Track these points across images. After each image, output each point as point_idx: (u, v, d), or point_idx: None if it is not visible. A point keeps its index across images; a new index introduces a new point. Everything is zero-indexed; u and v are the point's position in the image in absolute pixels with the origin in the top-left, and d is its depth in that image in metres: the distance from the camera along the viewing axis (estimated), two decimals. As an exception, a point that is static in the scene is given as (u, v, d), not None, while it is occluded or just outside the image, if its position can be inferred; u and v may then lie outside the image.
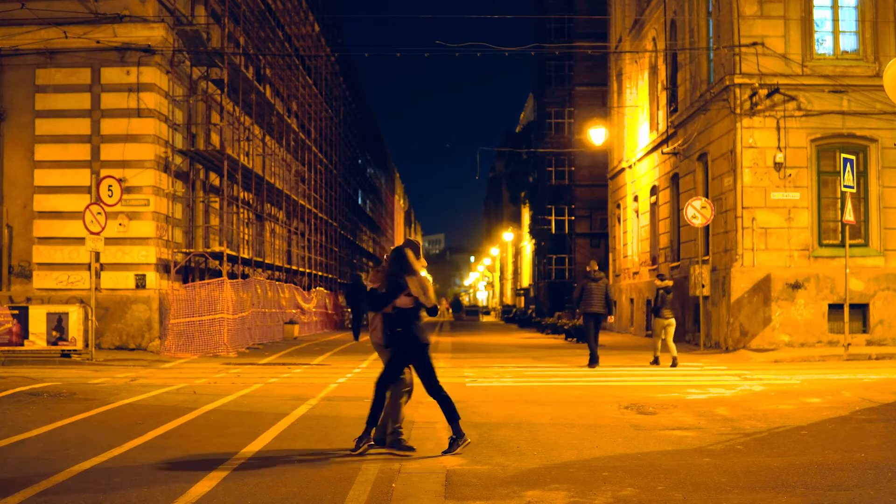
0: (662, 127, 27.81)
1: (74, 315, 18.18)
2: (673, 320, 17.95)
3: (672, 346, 17.78)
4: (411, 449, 7.96)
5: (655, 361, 17.97)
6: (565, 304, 19.11)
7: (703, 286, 20.85)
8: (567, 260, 51.11)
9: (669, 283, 18.44)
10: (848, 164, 17.71)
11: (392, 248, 8.61)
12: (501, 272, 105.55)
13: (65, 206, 20.78)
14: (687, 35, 24.74)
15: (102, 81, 21.03)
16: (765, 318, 20.12)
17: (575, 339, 26.11)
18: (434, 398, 8.14)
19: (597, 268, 18.41)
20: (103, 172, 20.05)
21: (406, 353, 8.13)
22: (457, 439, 7.96)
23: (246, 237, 29.01)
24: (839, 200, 19.78)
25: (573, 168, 50.07)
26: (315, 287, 36.76)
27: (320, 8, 41.09)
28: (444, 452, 7.90)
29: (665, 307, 17.88)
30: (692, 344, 22.94)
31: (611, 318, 18.49)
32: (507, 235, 79.48)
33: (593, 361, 17.61)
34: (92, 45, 20.69)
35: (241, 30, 26.94)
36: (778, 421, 9.78)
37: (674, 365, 17.36)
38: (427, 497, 6.37)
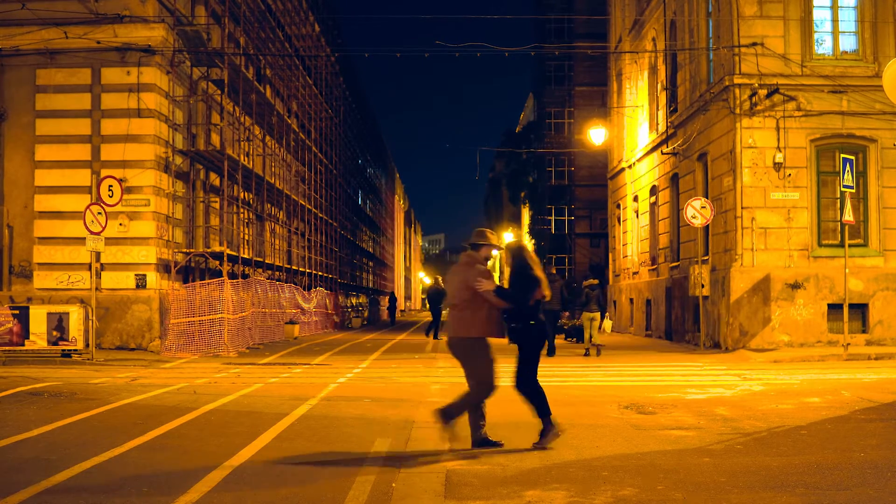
0: (662, 127, 27.82)
1: (75, 315, 18.19)
2: (598, 314, 20.16)
3: (596, 335, 20.06)
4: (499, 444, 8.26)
5: (587, 354, 19.94)
6: (566, 303, 20.36)
7: (702, 286, 20.88)
8: (567, 260, 51.09)
9: (594, 281, 21.10)
10: (847, 165, 17.72)
11: (508, 243, 8.81)
12: (501, 272, 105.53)
13: (65, 206, 20.80)
14: (687, 35, 24.75)
15: (103, 82, 21.05)
16: (764, 318, 20.14)
17: (574, 339, 26.10)
18: (521, 391, 8.38)
19: (554, 272, 21.51)
20: (104, 172, 20.07)
21: (537, 343, 8.39)
22: (547, 432, 8.30)
23: (246, 237, 29.03)
24: (839, 200, 19.78)
25: (573, 168, 50.07)
26: (315, 287, 36.78)
27: (320, 8, 41.10)
28: (535, 445, 8.20)
29: (591, 302, 20.16)
30: (692, 344, 22.95)
31: (565, 314, 21.50)
32: (508, 235, 79.42)
33: (550, 351, 19.79)
34: (92, 45, 20.71)
35: (241, 30, 26.95)
36: (777, 421, 9.79)
37: (598, 354, 19.84)
38: (427, 497, 6.38)
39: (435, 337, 27.37)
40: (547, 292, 8.39)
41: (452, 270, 8.61)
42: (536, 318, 8.29)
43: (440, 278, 32.66)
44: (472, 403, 8.23)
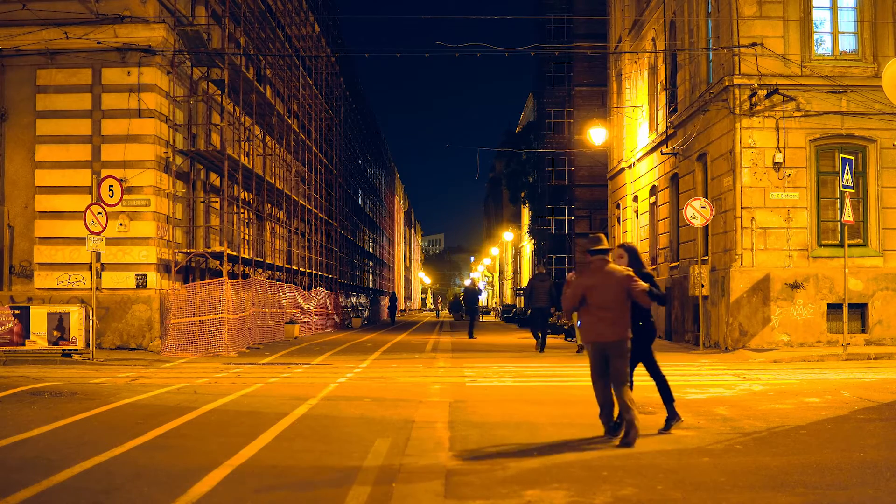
0: (662, 127, 27.83)
1: (75, 315, 18.20)
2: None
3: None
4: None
5: (580, 351, 20.84)
6: (554, 301, 21.32)
7: (702, 286, 20.89)
8: (567, 260, 51.10)
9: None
10: (847, 165, 17.73)
11: (626, 244, 9.18)
12: (501, 272, 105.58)
13: (66, 206, 20.82)
14: (686, 35, 24.76)
15: (103, 82, 21.06)
16: (764, 318, 20.15)
17: (573, 339, 26.13)
18: (653, 377, 9.25)
19: (544, 271, 23.56)
20: (104, 173, 20.08)
21: (650, 338, 9.11)
22: (671, 419, 9.05)
23: (246, 237, 29.04)
24: (838, 200, 19.81)
25: (573, 168, 50.06)
26: (315, 287, 36.79)
27: (320, 8, 41.12)
28: (661, 431, 8.87)
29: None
30: (692, 344, 22.97)
31: (553, 310, 22.79)
32: (507, 235, 79.56)
33: (540, 347, 21.39)
34: (93, 45, 20.72)
35: (241, 30, 26.96)
36: (777, 420, 9.81)
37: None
38: (427, 496, 6.40)
39: (471, 334, 28.60)
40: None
41: (599, 276, 8.55)
42: (650, 315, 9.04)
43: (474, 279, 34.47)
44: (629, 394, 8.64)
